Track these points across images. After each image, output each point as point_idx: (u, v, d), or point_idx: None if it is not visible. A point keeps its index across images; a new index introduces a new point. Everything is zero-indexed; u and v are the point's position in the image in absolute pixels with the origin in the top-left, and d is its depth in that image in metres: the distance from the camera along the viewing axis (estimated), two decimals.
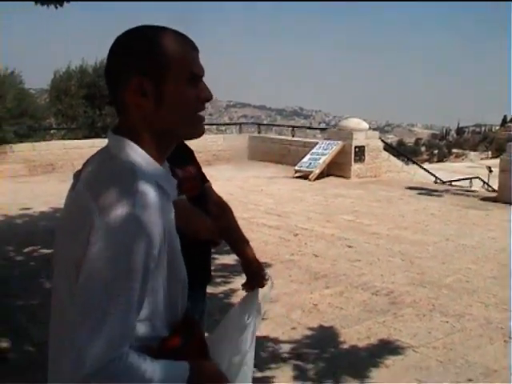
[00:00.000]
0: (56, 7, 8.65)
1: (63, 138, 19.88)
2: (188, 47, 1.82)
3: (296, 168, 17.32)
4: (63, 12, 8.78)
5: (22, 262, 8.74)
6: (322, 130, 28.39)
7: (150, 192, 1.67)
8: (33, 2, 8.32)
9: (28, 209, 12.38)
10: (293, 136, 21.40)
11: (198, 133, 1.87)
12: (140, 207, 1.61)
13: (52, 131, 21.35)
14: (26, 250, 9.26)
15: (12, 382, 5.08)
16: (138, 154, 1.75)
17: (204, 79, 1.87)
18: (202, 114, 1.87)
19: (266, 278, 3.05)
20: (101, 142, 17.73)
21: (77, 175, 1.90)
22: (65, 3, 8.65)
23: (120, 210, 1.60)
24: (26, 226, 11.01)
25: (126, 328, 1.61)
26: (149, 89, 1.74)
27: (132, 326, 1.64)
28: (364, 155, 17.32)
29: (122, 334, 1.59)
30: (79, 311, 1.58)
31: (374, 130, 19.91)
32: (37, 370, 5.24)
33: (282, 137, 22.18)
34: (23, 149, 17.52)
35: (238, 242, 3.23)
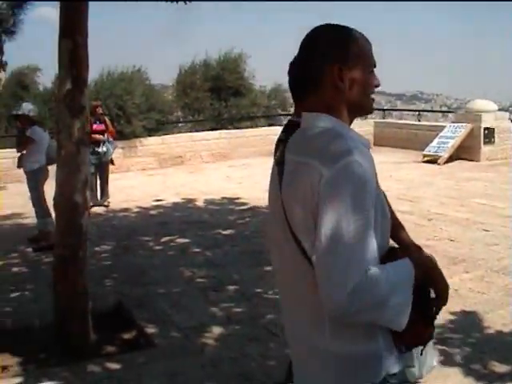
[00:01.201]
0: (185, 2, 8.71)
1: (190, 131, 20.26)
2: (369, 43, 2.26)
3: (424, 152, 16.98)
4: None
5: (160, 251, 9.00)
6: (444, 112, 27.70)
7: (359, 145, 2.05)
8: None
9: (161, 200, 12.75)
10: (419, 120, 21.00)
11: (370, 111, 2.34)
12: (358, 156, 1.98)
13: (179, 124, 21.81)
14: (163, 239, 9.55)
15: (160, 365, 5.26)
16: (337, 122, 2.16)
17: None
18: (373, 96, 2.30)
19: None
20: (227, 134, 18.12)
21: (277, 159, 2.29)
22: None
23: (344, 161, 1.95)
24: (160, 216, 11.34)
25: (369, 254, 1.95)
26: (345, 75, 2.16)
27: (374, 251, 1.98)
28: (494, 137, 16.79)
29: (368, 258, 1.95)
30: (328, 248, 1.94)
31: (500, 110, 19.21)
32: (183, 355, 5.43)
33: (409, 121, 21.79)
34: (152, 142, 17.98)
35: (393, 227, 3.20)
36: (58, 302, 5.92)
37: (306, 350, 2.22)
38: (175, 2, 8.40)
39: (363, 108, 2.28)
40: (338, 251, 1.92)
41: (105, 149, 12.24)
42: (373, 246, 1.97)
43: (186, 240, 9.41)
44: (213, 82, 20.84)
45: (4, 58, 13.95)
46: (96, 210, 11.98)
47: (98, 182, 12.55)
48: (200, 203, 12.29)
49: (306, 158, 2.07)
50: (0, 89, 24.57)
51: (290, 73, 3.59)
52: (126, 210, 12.02)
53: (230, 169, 16.60)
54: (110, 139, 12.56)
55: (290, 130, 3.56)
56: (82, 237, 5.79)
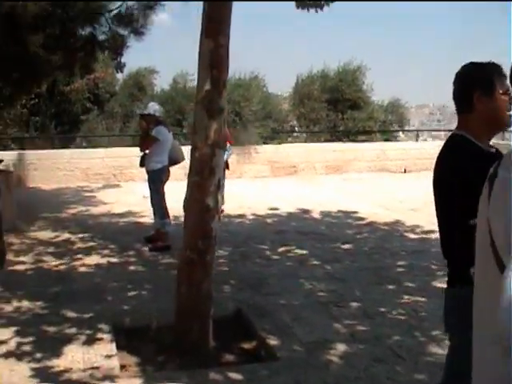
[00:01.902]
0: (316, 11, 8.59)
1: (305, 141, 20.17)
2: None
3: None
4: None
5: (278, 261, 8.87)
6: None
7: None
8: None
9: (276, 209, 12.67)
10: None
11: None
12: None
13: (294, 134, 21.78)
14: (280, 249, 9.43)
15: (284, 379, 5.08)
16: None
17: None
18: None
19: None
20: (343, 146, 17.89)
21: (491, 173, 2.11)
22: (325, 7, 8.58)
23: None
24: (276, 225, 11.24)
25: None
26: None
27: None
28: None
29: None
30: None
31: None
32: (307, 370, 5.24)
33: None
34: (267, 150, 17.97)
35: None
36: (181, 304, 5.85)
37: (489, 376, 1.97)
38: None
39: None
40: None
41: None
42: None
43: (304, 251, 9.25)
44: (330, 94, 20.76)
45: (122, 60, 14.19)
46: None
47: None
48: (315, 214, 12.14)
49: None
50: (117, 89, 25.23)
51: (455, 83, 3.37)
52: (241, 216, 12.02)
53: (343, 182, 16.38)
54: (228, 144, 12.56)
55: (451, 143, 3.35)
56: (211, 241, 5.70)
